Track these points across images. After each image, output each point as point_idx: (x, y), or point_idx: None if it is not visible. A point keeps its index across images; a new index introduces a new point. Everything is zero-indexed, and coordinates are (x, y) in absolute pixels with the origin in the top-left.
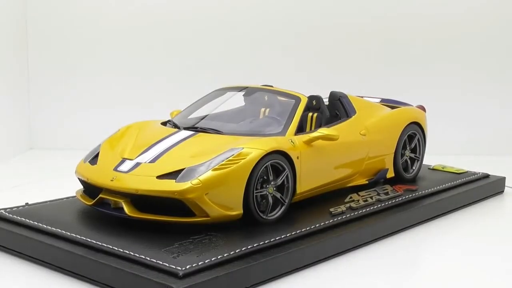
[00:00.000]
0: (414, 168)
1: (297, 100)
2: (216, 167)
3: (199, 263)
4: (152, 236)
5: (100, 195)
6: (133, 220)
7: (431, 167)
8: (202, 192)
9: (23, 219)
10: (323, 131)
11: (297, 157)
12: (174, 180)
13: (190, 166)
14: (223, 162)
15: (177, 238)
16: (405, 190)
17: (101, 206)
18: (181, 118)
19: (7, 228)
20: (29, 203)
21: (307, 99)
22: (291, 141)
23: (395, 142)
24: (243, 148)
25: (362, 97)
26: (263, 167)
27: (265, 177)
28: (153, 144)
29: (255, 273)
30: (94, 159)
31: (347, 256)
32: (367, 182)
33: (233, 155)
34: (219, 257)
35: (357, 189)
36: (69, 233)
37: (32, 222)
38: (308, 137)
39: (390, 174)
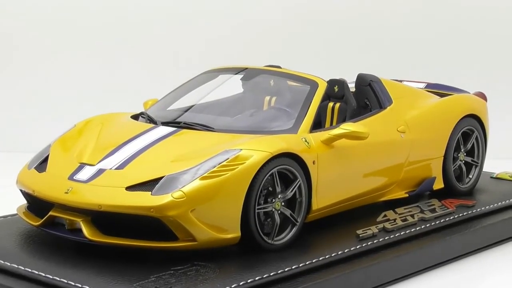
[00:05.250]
0: (470, 176)
1: (314, 85)
2: (205, 175)
3: None
4: (121, 266)
5: (51, 213)
6: (95, 246)
7: (494, 176)
8: (186, 209)
9: None
10: (348, 127)
11: (313, 162)
12: (150, 193)
13: (170, 174)
14: (214, 169)
15: (154, 269)
16: (458, 206)
17: (52, 227)
18: (159, 110)
19: None
20: None
21: (326, 84)
22: (305, 141)
23: (445, 142)
24: (241, 150)
25: (400, 81)
26: (267, 175)
27: (270, 189)
28: (121, 145)
29: None
30: (42, 164)
31: None
32: (407, 195)
33: (227, 159)
34: None
35: (394, 204)
36: (8, 264)
37: None
38: (328, 135)
39: (438, 184)
